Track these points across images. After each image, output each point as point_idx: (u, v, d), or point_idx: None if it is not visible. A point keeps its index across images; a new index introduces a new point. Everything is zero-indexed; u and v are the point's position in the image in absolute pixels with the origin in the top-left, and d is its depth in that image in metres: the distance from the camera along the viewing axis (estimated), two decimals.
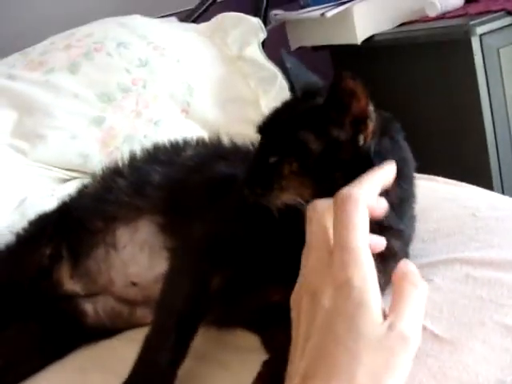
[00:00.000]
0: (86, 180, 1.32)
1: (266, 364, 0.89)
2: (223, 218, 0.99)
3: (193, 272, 0.96)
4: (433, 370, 0.82)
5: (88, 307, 1.12)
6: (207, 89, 1.80)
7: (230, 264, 0.96)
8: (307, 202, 0.81)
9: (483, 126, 1.96)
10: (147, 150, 1.26)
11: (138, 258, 1.09)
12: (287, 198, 0.87)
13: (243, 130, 1.78)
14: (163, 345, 0.88)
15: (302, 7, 2.41)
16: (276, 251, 0.91)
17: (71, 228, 1.15)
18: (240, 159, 1.12)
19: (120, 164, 1.24)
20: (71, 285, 1.13)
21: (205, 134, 1.74)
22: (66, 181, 1.63)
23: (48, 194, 1.51)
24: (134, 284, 1.09)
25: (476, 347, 0.86)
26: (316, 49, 2.46)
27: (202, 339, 0.96)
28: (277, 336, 0.93)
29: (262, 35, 1.83)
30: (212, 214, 1.01)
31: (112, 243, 1.11)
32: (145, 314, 1.09)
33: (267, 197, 0.88)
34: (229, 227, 0.97)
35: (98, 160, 1.63)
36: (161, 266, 1.03)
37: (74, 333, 1.11)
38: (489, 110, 1.95)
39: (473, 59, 1.89)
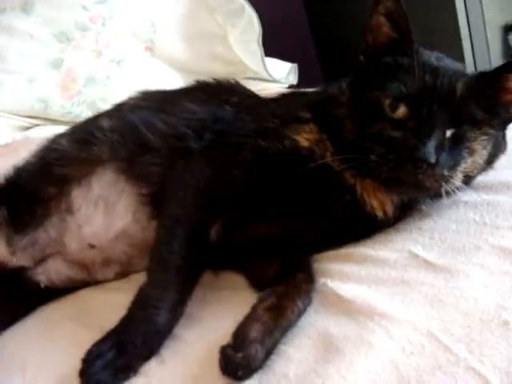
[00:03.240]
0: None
1: (259, 300, 0.85)
2: (225, 161, 0.94)
3: (192, 222, 0.90)
4: (428, 298, 0.76)
5: (41, 277, 1.03)
6: (172, 25, 1.70)
7: (230, 211, 0.92)
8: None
9: None
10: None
11: (93, 217, 1.01)
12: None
13: (213, 67, 1.71)
14: (162, 303, 0.82)
15: None
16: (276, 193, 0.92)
17: (18, 201, 1.05)
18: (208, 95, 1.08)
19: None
20: (15, 261, 1.03)
21: (172, 73, 1.67)
22: (27, 128, 1.54)
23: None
24: (91, 246, 1.01)
25: (473, 272, 0.80)
26: None
27: None
28: (264, 276, 0.91)
29: None
30: (208, 157, 0.95)
31: (67, 208, 1.03)
32: (107, 274, 1.03)
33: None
34: (232, 173, 0.92)
35: (60, 105, 1.54)
36: (119, 222, 0.98)
37: (36, 297, 1.03)
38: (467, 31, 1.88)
39: None
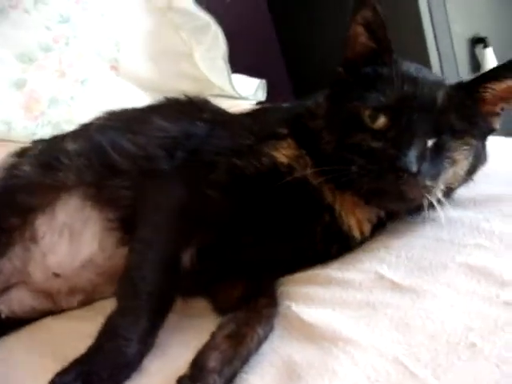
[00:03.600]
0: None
1: (219, 327, 0.83)
2: (198, 181, 0.90)
3: (165, 246, 0.87)
4: (394, 321, 0.75)
5: (2, 307, 0.99)
6: (137, 43, 1.68)
7: (204, 234, 0.90)
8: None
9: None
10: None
11: (57, 245, 0.97)
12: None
13: (179, 85, 1.69)
14: (132, 333, 0.78)
15: None
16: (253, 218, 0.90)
17: None
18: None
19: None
20: None
21: (138, 91, 1.64)
22: None
23: None
24: (56, 275, 0.97)
25: (439, 292, 0.79)
26: None
27: None
28: (227, 299, 0.89)
29: None
30: (181, 177, 0.92)
31: (31, 236, 0.98)
32: (72, 302, 1.00)
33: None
34: (206, 193, 0.89)
35: (23, 126, 1.51)
36: (85, 250, 0.95)
37: None
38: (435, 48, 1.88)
39: None
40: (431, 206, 0.86)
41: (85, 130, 1.07)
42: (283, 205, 0.90)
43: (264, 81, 1.83)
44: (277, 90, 1.89)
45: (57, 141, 1.08)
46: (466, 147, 0.88)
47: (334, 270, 0.88)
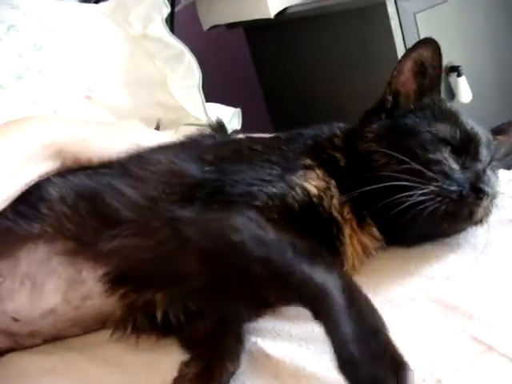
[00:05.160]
0: None
1: (187, 363, 0.82)
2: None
3: None
4: None
5: None
6: (111, 72, 1.66)
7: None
8: None
9: None
10: None
11: (17, 294, 0.90)
12: None
13: (153, 114, 1.68)
14: None
15: None
16: None
17: None
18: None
19: None
20: None
21: (112, 120, 1.63)
22: None
23: None
24: (15, 320, 0.91)
25: (407, 327, 0.78)
26: (229, 26, 2.35)
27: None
28: (195, 336, 0.86)
29: (166, 10, 1.70)
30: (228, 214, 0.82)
31: None
32: (35, 341, 0.95)
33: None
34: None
35: None
36: (46, 302, 0.89)
37: None
38: None
39: (389, 24, 1.82)
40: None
41: (72, 172, 0.96)
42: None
43: (239, 109, 1.82)
44: (253, 119, 1.89)
45: (38, 185, 0.95)
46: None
47: None
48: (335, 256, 0.89)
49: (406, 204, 0.84)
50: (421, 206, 0.84)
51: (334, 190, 0.91)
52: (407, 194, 0.84)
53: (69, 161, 0.98)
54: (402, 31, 1.85)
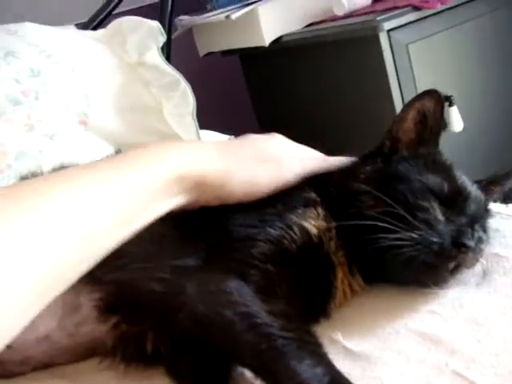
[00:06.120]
0: None
1: None
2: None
3: None
4: None
5: None
6: (106, 98, 1.68)
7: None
8: None
9: None
10: None
11: None
12: None
13: (147, 141, 1.69)
14: None
15: (210, 12, 2.33)
16: None
17: None
18: None
19: None
20: None
21: (107, 146, 1.65)
22: None
23: None
24: (8, 346, 0.92)
25: (390, 360, 0.79)
26: (225, 54, 2.39)
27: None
28: (182, 366, 0.86)
29: (162, 39, 1.73)
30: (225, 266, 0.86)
31: None
32: (25, 369, 0.94)
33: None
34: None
35: None
36: (41, 328, 0.89)
37: None
38: (401, 105, 1.91)
39: (382, 55, 1.86)
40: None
41: None
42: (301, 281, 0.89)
43: (233, 137, 1.84)
44: None
45: None
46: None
47: None
48: (325, 298, 0.90)
49: (384, 244, 0.85)
50: (399, 250, 0.85)
51: (333, 232, 0.92)
52: (386, 235, 0.85)
53: (207, 196, 0.86)
54: (395, 62, 1.89)
